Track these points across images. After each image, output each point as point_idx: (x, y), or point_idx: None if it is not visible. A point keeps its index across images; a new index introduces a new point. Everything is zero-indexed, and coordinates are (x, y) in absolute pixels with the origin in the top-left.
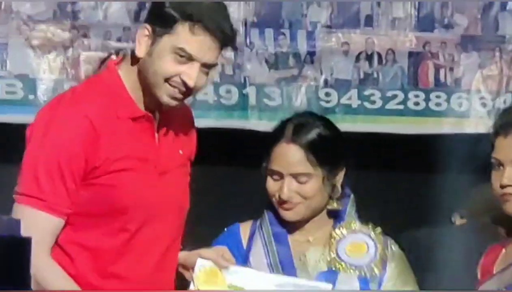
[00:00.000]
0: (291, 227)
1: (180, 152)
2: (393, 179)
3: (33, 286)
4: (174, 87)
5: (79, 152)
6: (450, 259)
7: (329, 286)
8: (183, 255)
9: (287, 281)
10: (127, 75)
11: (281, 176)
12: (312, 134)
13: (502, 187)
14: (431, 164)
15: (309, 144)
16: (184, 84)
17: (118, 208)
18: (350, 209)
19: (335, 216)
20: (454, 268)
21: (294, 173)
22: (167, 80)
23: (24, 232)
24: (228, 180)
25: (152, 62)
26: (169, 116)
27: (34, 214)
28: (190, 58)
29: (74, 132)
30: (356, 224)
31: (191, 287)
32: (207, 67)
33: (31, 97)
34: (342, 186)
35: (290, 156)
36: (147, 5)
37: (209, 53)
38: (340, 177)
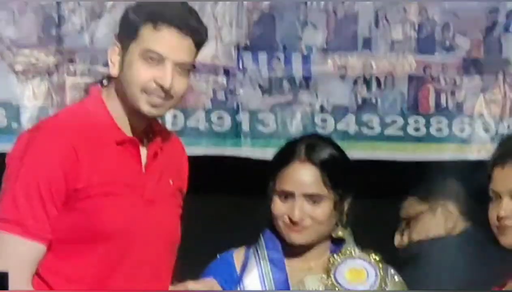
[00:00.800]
0: (290, 253)
1: (171, 182)
2: (392, 207)
3: None
4: (151, 93)
5: (59, 175)
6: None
7: None
8: (170, 288)
9: None
10: (111, 100)
11: (292, 196)
12: (325, 154)
13: (499, 219)
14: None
15: (324, 164)
16: (161, 87)
17: (100, 233)
18: (348, 237)
19: (335, 244)
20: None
21: (307, 194)
22: (143, 90)
23: (2, 260)
24: (221, 209)
25: (125, 75)
26: (158, 144)
27: (13, 240)
28: (160, 59)
29: (53, 155)
30: (356, 251)
31: None
32: (183, 68)
33: (14, 125)
34: (347, 215)
35: (305, 175)
36: None
37: (180, 50)
38: (348, 204)
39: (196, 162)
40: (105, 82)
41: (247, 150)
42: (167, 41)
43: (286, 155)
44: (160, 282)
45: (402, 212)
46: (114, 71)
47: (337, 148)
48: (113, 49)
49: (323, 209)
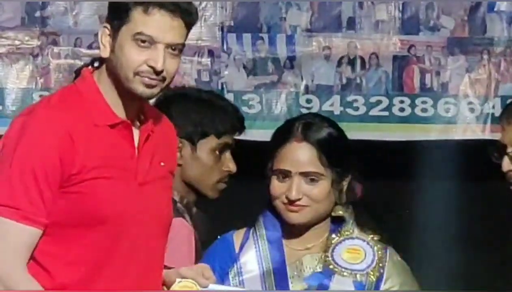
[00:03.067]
0: (289, 234)
1: (162, 164)
2: (377, 188)
3: None
4: (144, 76)
5: (54, 159)
6: None
7: None
8: (164, 272)
9: None
10: (103, 83)
11: (290, 176)
12: (323, 133)
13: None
14: (417, 172)
15: (321, 143)
16: (153, 69)
17: (96, 217)
18: (348, 217)
19: (335, 223)
20: None
21: (304, 172)
22: (136, 72)
23: None
24: None
25: (117, 57)
26: (150, 126)
27: (9, 225)
28: (152, 41)
29: (48, 139)
30: (355, 231)
31: None
32: (173, 48)
33: None
34: (346, 194)
35: (301, 154)
36: None
37: (171, 32)
38: (346, 182)
39: None
40: (96, 64)
41: None
42: (159, 24)
43: (283, 135)
44: (154, 265)
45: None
46: (105, 53)
47: (335, 126)
48: (104, 31)
49: (321, 188)
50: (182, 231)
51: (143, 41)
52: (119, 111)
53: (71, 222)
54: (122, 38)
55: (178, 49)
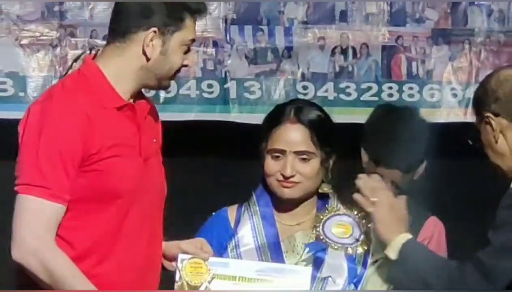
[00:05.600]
0: (280, 209)
1: (154, 140)
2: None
3: (43, 275)
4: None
5: (77, 140)
6: None
7: (308, 269)
8: (163, 245)
9: (267, 267)
10: (107, 68)
11: (284, 154)
12: (314, 115)
13: None
14: None
15: (312, 124)
16: (184, 67)
17: (114, 192)
18: (332, 194)
19: (321, 199)
20: None
21: (298, 151)
22: (174, 73)
23: (30, 222)
24: (212, 170)
25: (167, 60)
26: (143, 107)
27: (40, 203)
28: (191, 44)
29: (71, 122)
30: (341, 208)
31: (177, 279)
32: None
33: (21, 94)
34: (332, 172)
35: (295, 134)
36: None
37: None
38: (332, 161)
39: (188, 127)
40: (93, 52)
41: (235, 116)
42: (195, 28)
43: (276, 117)
44: (158, 233)
45: None
46: (153, 54)
47: (322, 110)
48: (151, 34)
49: (312, 166)
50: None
51: (187, 45)
52: (124, 94)
53: (90, 198)
54: (175, 43)
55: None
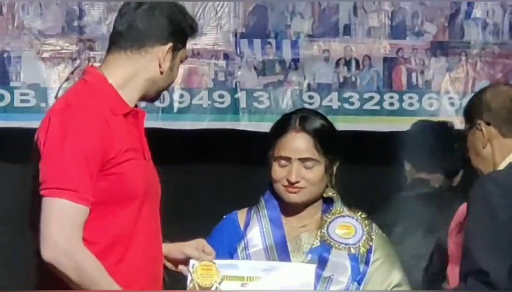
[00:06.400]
0: (287, 213)
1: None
2: (369, 173)
3: (73, 275)
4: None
5: (99, 145)
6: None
7: (312, 266)
8: (166, 248)
9: (273, 265)
10: (113, 76)
11: (289, 161)
12: (318, 124)
13: None
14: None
15: (316, 132)
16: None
17: (131, 194)
18: (337, 197)
19: (325, 203)
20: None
21: (302, 158)
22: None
23: (60, 224)
24: (223, 175)
25: (171, 74)
26: (142, 113)
27: (69, 205)
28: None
29: (93, 127)
30: (344, 210)
31: (189, 282)
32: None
33: (42, 105)
34: (335, 177)
35: (300, 143)
36: None
37: None
38: (336, 168)
39: (200, 135)
40: (92, 64)
41: (245, 124)
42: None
43: (282, 126)
44: (159, 236)
45: None
46: (166, 67)
47: (326, 119)
48: (167, 49)
49: (316, 172)
50: None
51: (182, 61)
52: (129, 101)
53: (109, 200)
54: (177, 59)
55: None
